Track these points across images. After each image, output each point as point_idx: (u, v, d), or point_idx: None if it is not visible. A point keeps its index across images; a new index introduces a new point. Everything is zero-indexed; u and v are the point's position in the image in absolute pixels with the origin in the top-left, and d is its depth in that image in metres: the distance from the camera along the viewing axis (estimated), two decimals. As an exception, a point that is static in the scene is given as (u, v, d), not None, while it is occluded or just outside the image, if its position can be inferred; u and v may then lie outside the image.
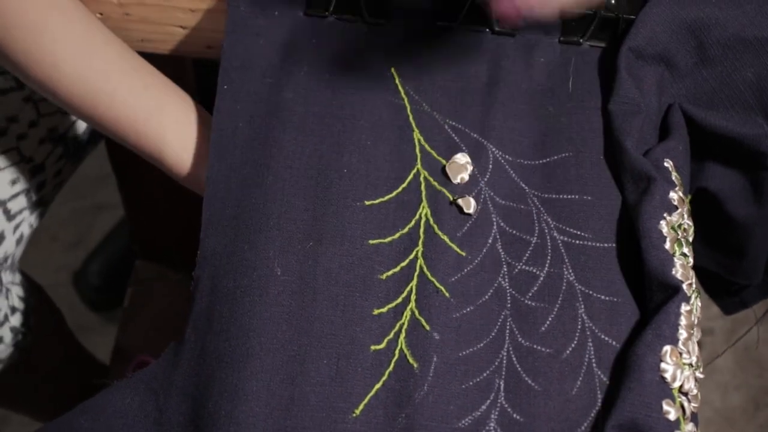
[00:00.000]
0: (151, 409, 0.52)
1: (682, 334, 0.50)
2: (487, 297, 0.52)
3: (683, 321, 0.50)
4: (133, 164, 0.88)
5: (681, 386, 0.49)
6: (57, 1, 0.55)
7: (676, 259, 0.52)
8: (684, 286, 0.51)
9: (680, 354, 0.49)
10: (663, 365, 0.49)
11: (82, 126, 0.79)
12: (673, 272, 0.51)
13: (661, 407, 0.48)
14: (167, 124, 0.58)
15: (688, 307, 0.50)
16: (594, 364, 0.51)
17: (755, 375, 1.35)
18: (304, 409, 0.49)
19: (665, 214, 0.53)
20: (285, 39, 0.59)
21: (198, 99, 0.80)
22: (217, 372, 0.50)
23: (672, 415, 0.48)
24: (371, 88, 0.57)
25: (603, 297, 0.52)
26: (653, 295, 0.52)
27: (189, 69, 0.76)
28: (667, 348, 0.49)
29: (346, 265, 0.52)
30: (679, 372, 0.49)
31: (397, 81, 0.58)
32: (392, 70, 0.58)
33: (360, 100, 0.57)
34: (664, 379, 0.48)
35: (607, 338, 0.51)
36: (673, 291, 0.51)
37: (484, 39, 0.60)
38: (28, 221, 0.76)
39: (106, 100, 0.56)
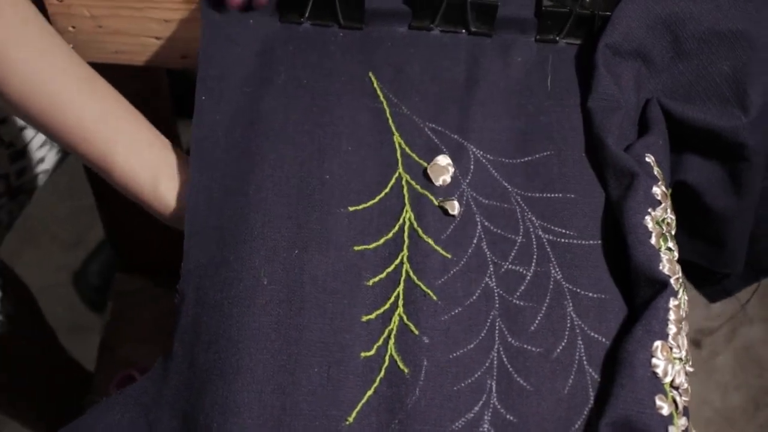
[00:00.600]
0: (142, 424, 0.53)
1: (672, 328, 0.50)
2: (474, 297, 0.53)
3: (672, 316, 0.51)
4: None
5: (672, 381, 0.50)
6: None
7: (662, 254, 0.53)
8: (672, 281, 0.52)
9: (670, 349, 0.50)
10: (654, 361, 0.49)
11: None
12: (660, 267, 0.52)
13: (654, 403, 0.48)
14: (120, 130, 0.57)
15: (676, 302, 0.51)
16: (585, 362, 0.51)
17: (755, 375, 1.36)
18: (297, 418, 0.49)
19: (650, 209, 0.54)
20: (261, 47, 0.59)
21: (173, 109, 0.81)
22: (207, 385, 0.51)
23: (665, 410, 0.49)
24: (350, 93, 0.58)
25: (591, 294, 0.53)
26: (641, 291, 0.53)
27: (163, 80, 0.76)
28: (658, 343, 0.50)
29: (333, 273, 0.52)
30: (670, 367, 0.50)
31: (375, 85, 0.59)
32: (370, 74, 0.59)
33: (339, 106, 0.57)
34: (655, 374, 0.49)
35: (596, 336, 0.52)
36: (661, 286, 0.51)
37: (461, 39, 0.61)
38: (7, 207, 0.77)
39: (56, 101, 0.56)
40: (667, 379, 0.49)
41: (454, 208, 0.55)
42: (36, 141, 0.77)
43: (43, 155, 0.78)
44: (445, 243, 0.54)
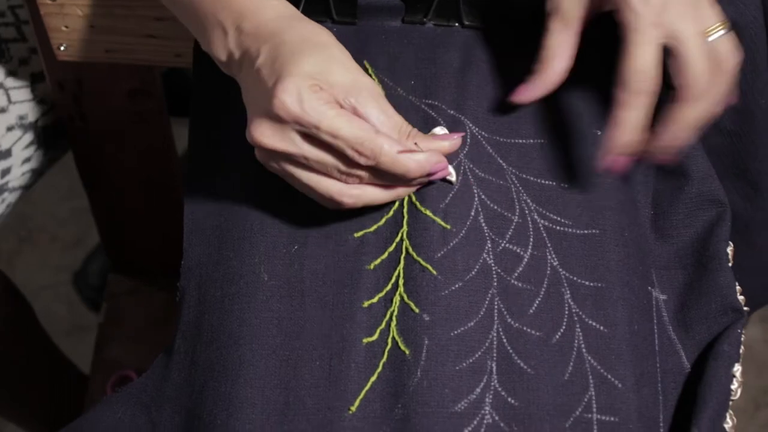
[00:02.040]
0: (144, 422, 0.54)
1: (741, 353, 0.56)
2: (473, 273, 0.54)
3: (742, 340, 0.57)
4: (102, 178, 0.89)
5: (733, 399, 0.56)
6: None
7: (737, 285, 0.58)
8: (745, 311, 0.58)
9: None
10: (734, 381, 0.55)
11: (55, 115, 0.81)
12: (739, 296, 0.58)
13: (725, 418, 0.55)
14: None
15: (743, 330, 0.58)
16: (584, 350, 0.53)
17: (755, 375, 1.36)
18: (300, 412, 0.51)
19: (729, 241, 0.59)
20: None
21: (167, 108, 0.83)
22: (210, 381, 0.52)
23: (729, 426, 0.56)
24: None
25: (588, 283, 0.55)
26: (711, 312, 0.58)
27: (157, 78, 0.78)
28: (737, 366, 0.56)
29: (333, 264, 0.54)
30: (738, 387, 0.56)
31: (370, 71, 0.61)
32: (365, 62, 0.61)
33: None
34: (731, 392, 0.55)
35: (594, 324, 0.54)
36: (737, 315, 0.57)
37: (455, 32, 0.63)
38: None
39: None
40: (734, 398, 0.55)
41: (452, 174, 0.56)
42: (23, 141, 0.79)
43: (30, 155, 0.80)
44: (444, 213, 0.55)
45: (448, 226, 0.55)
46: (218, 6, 0.53)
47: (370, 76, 0.60)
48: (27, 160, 0.80)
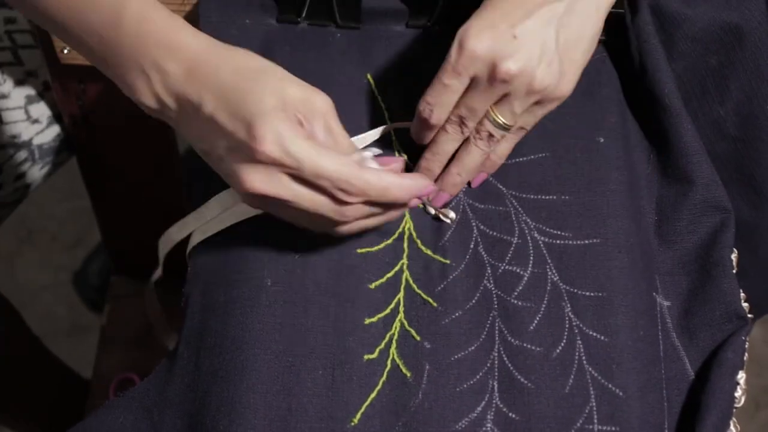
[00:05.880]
0: (146, 427, 0.55)
1: (745, 360, 0.57)
2: (474, 301, 0.55)
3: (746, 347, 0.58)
4: (105, 181, 0.90)
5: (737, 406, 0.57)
6: None
7: (741, 292, 0.59)
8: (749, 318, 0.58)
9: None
10: (738, 389, 0.56)
11: (51, 133, 0.82)
12: (743, 303, 0.58)
13: (729, 426, 0.56)
14: None
15: (748, 337, 0.58)
16: (584, 361, 0.54)
17: (755, 375, 1.37)
18: (302, 420, 0.51)
19: (733, 248, 0.59)
20: (259, 48, 0.61)
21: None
22: (212, 386, 0.52)
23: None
24: (348, 94, 0.60)
25: (588, 294, 0.56)
26: (715, 319, 0.58)
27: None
28: (741, 373, 0.57)
29: (335, 276, 0.55)
30: (742, 394, 0.56)
31: (373, 86, 0.61)
32: (368, 75, 0.61)
33: (338, 108, 0.59)
34: (734, 400, 0.56)
35: (595, 334, 0.55)
36: (742, 322, 0.58)
37: None
38: None
39: None
40: (738, 405, 0.56)
41: (447, 216, 0.57)
42: (16, 158, 0.79)
43: (23, 171, 0.80)
44: (443, 250, 0.56)
45: (448, 261, 0.56)
46: (130, 48, 0.49)
47: (373, 92, 0.61)
48: (20, 176, 0.80)
